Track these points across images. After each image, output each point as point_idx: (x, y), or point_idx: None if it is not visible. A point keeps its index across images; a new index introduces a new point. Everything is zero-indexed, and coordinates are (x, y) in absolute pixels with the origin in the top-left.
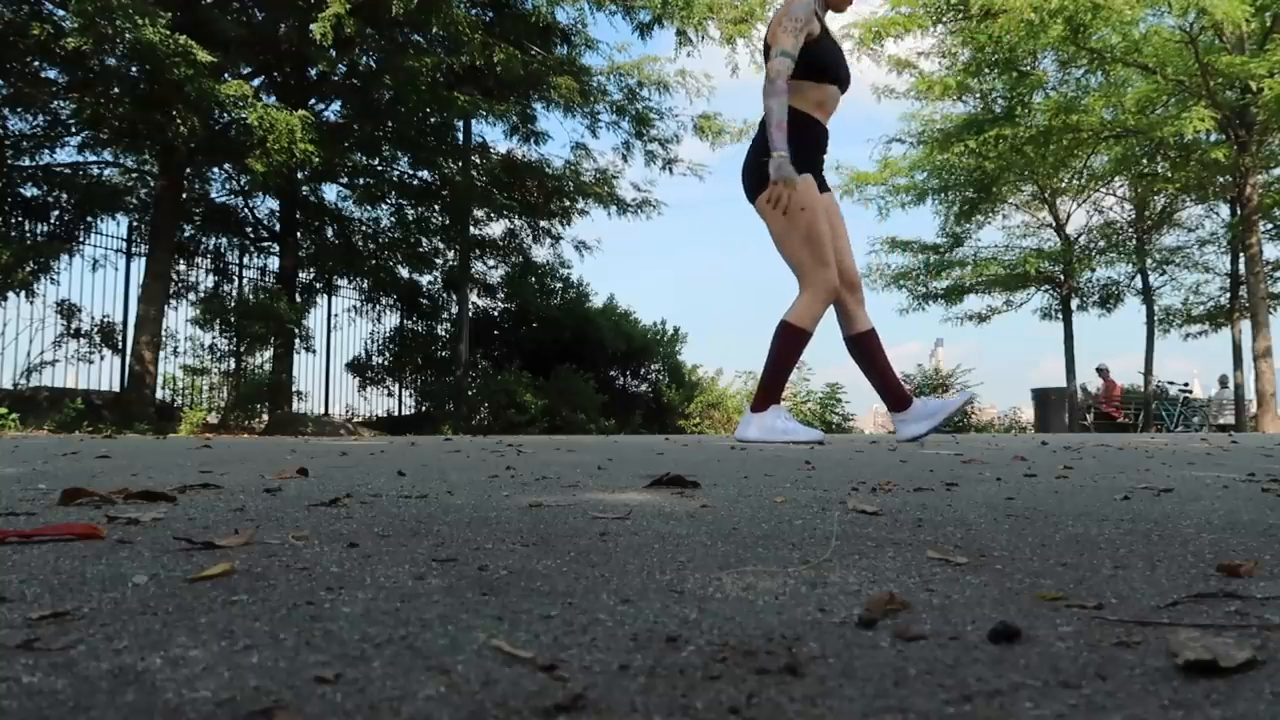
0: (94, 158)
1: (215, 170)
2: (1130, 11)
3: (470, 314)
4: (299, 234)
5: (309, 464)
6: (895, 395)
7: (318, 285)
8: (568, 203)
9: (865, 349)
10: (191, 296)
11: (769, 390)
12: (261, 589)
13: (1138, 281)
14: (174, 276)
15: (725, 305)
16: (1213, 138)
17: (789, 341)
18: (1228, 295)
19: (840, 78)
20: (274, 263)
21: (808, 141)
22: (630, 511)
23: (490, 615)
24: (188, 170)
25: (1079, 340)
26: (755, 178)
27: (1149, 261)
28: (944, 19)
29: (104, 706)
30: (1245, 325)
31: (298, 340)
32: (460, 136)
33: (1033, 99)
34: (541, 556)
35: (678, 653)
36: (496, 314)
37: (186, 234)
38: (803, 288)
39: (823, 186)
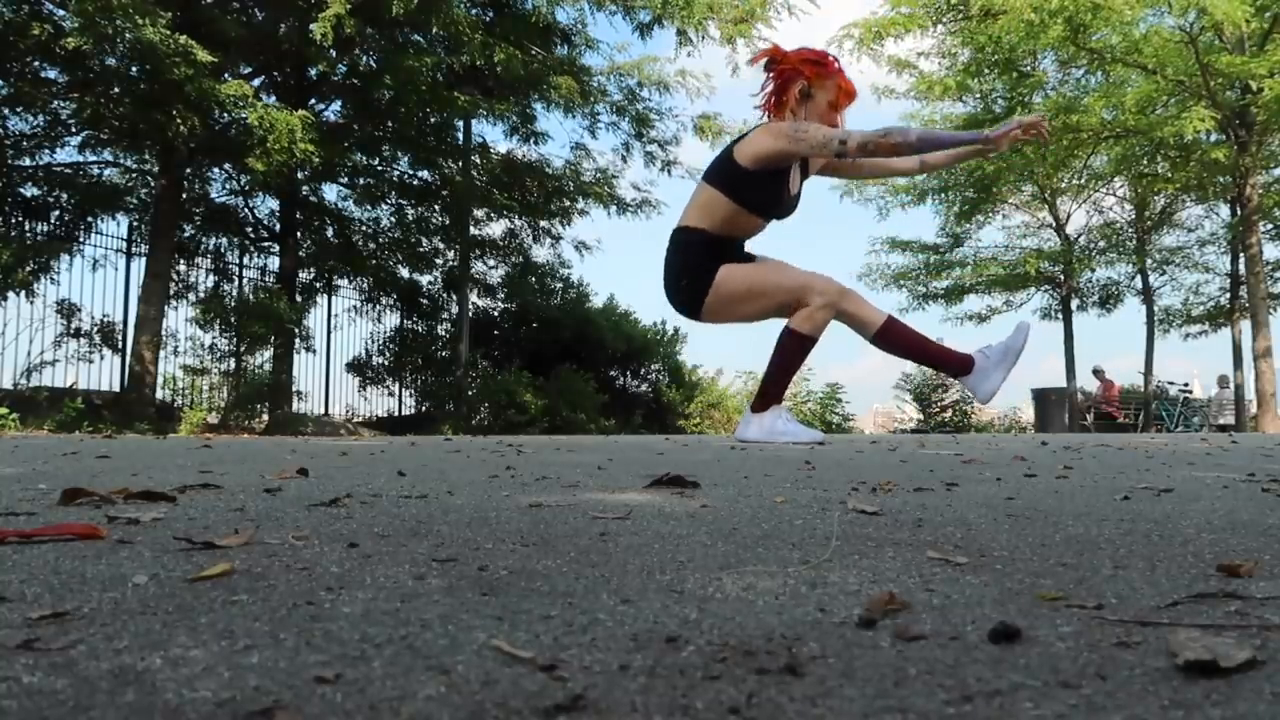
0: (94, 158)
1: (215, 170)
2: (1130, 11)
3: (470, 314)
4: (299, 234)
5: (309, 464)
6: (950, 362)
7: (318, 285)
8: (568, 203)
9: (891, 339)
10: (191, 296)
11: (770, 392)
12: (261, 589)
13: (1138, 281)
14: (174, 276)
15: None
16: (1213, 138)
17: (794, 347)
18: (1228, 295)
19: (774, 215)
20: (274, 263)
21: (711, 254)
22: (630, 511)
23: (490, 615)
24: (188, 170)
25: (1079, 340)
26: (688, 289)
27: (1149, 261)
28: (944, 19)
29: (104, 706)
30: (1245, 325)
31: (298, 340)
32: (460, 136)
33: (1033, 99)
34: (541, 556)
35: (678, 653)
36: (496, 314)
37: (186, 234)
38: (807, 301)
39: (745, 258)
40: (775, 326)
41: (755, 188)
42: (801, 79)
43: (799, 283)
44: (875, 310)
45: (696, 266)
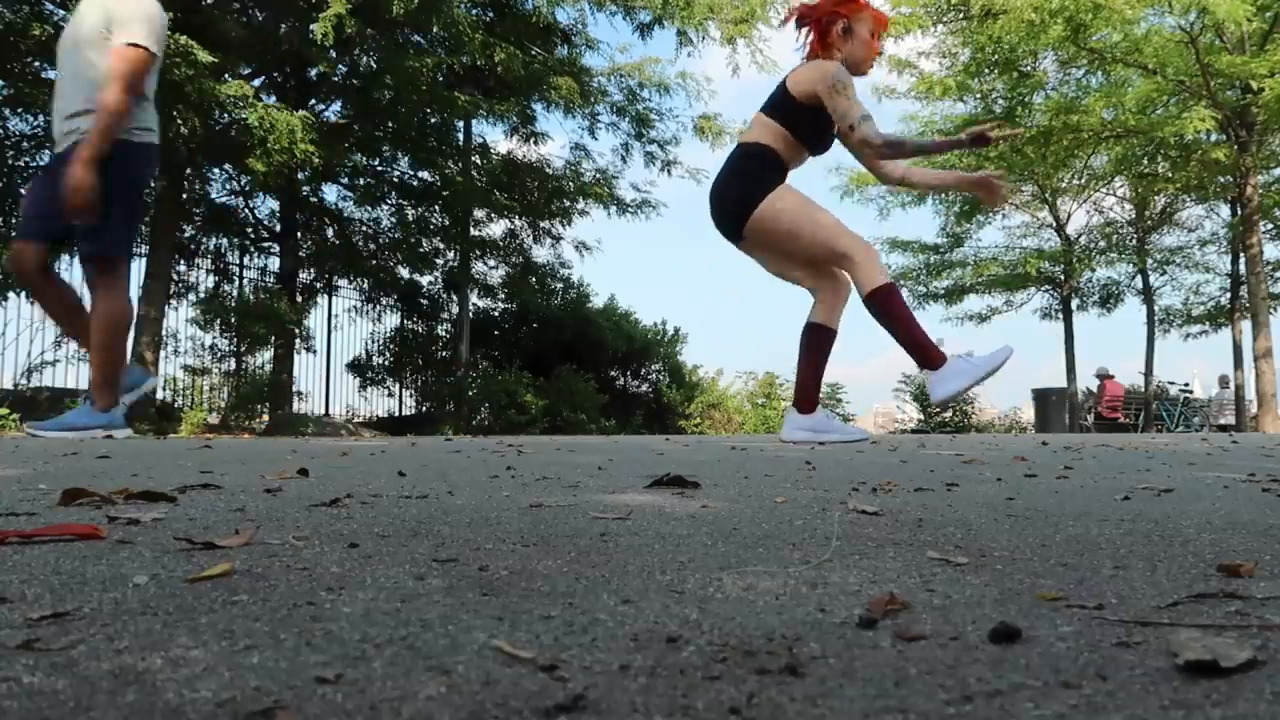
0: None
1: (215, 170)
2: (1131, 11)
3: (471, 314)
4: (299, 234)
5: (309, 464)
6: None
7: (318, 285)
8: (568, 203)
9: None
10: (192, 297)
11: (928, 348)
12: (262, 589)
13: (1138, 281)
14: (174, 277)
15: (726, 306)
16: (1213, 138)
17: (896, 301)
18: (1228, 295)
19: (817, 149)
20: (274, 263)
21: (772, 167)
22: (631, 512)
23: (491, 615)
24: (188, 170)
25: (1079, 340)
26: (738, 209)
27: (1149, 261)
28: (944, 19)
29: (104, 707)
30: (1246, 325)
31: (298, 340)
32: (460, 137)
33: (1033, 99)
34: (542, 557)
35: (678, 653)
36: (497, 314)
37: (187, 234)
38: (850, 258)
39: None
40: (772, 328)
41: (806, 120)
42: (840, 18)
43: (843, 248)
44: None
45: (757, 174)
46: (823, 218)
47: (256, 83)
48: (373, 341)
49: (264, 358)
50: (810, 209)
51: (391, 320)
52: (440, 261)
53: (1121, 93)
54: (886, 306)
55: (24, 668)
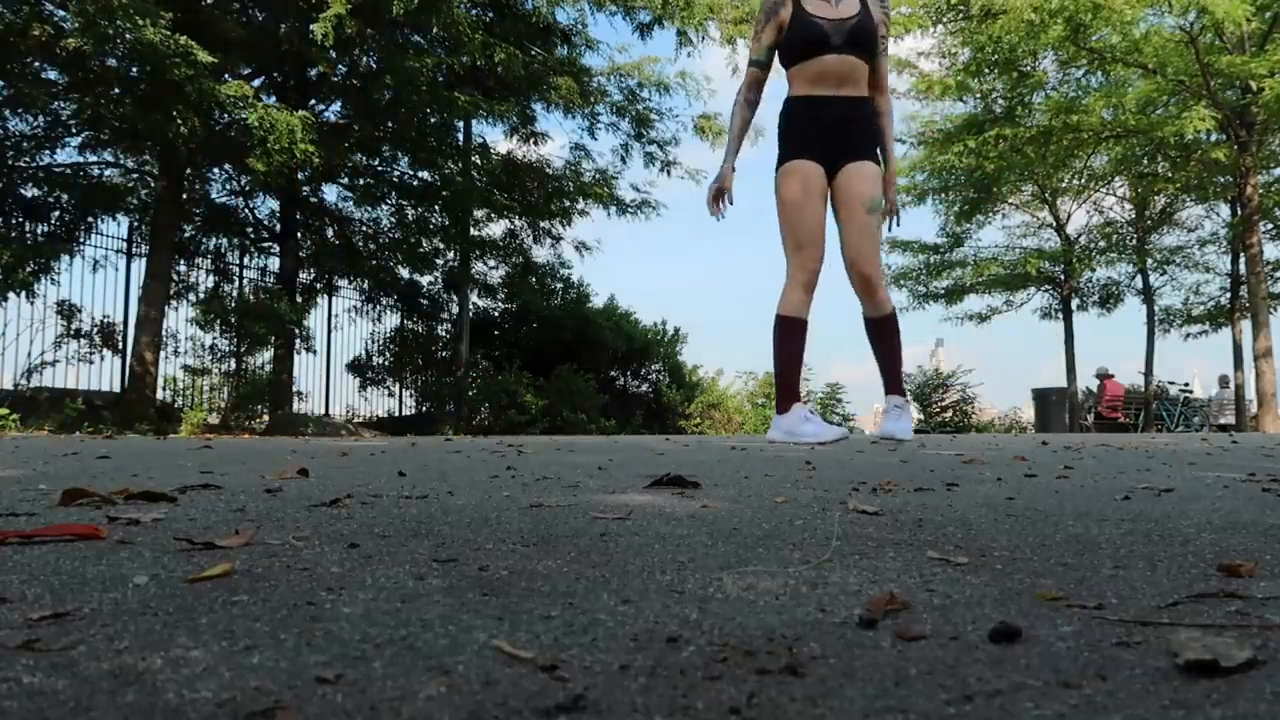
0: (94, 158)
1: (215, 170)
2: (1130, 11)
3: (470, 314)
4: (299, 234)
5: (309, 464)
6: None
7: (318, 285)
8: (568, 203)
9: (873, 332)
10: (192, 297)
11: (780, 389)
12: (262, 589)
13: (1138, 281)
14: (174, 277)
15: (726, 305)
16: (1213, 138)
17: (778, 332)
18: (1228, 295)
19: (827, 47)
20: (274, 263)
21: (793, 126)
22: (631, 512)
23: (491, 615)
24: (188, 171)
25: (1079, 340)
26: (779, 150)
27: (1149, 261)
28: (944, 19)
29: (104, 707)
30: (1246, 325)
31: (298, 341)
32: (460, 137)
33: (1033, 99)
34: (542, 557)
35: (678, 653)
36: (497, 314)
37: (187, 234)
38: (788, 270)
39: (837, 159)
40: (766, 331)
41: (786, 45)
42: None
43: (786, 248)
44: (876, 305)
45: (783, 139)
46: (792, 220)
47: (256, 83)
48: (373, 341)
49: (264, 358)
50: (791, 208)
51: (391, 320)
52: (440, 261)
53: (1121, 93)
54: (776, 335)
55: (24, 668)
